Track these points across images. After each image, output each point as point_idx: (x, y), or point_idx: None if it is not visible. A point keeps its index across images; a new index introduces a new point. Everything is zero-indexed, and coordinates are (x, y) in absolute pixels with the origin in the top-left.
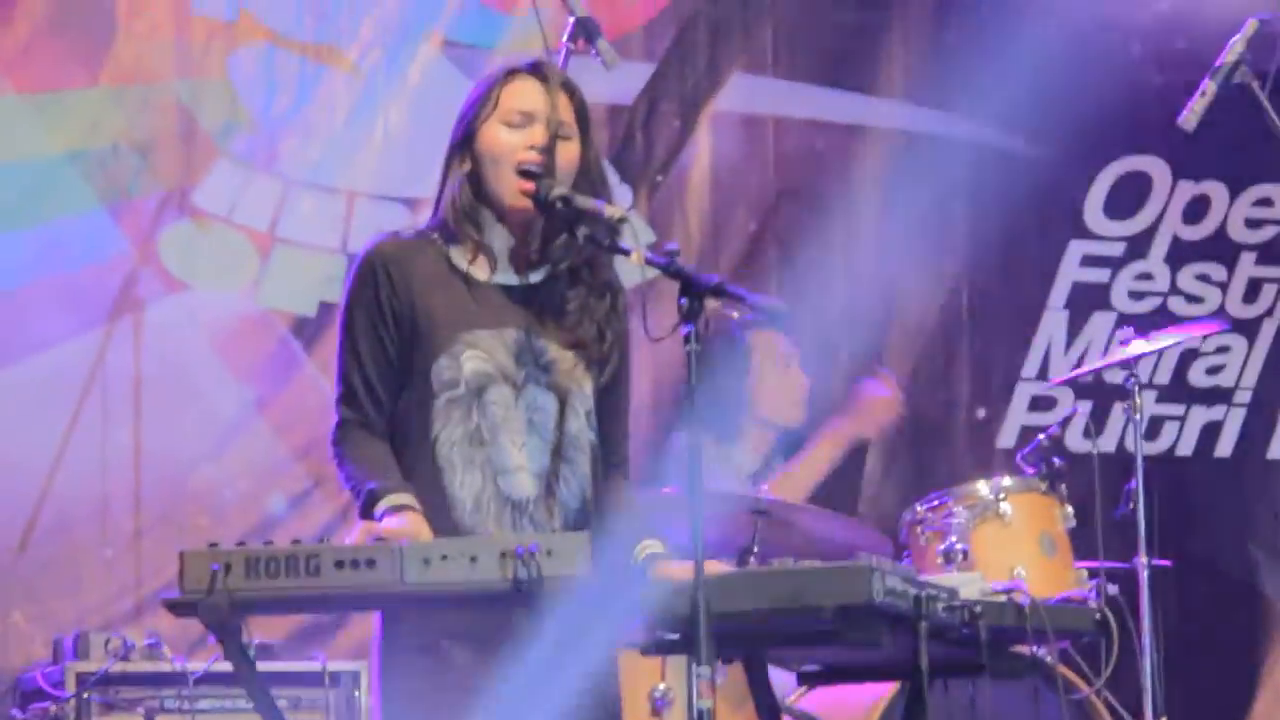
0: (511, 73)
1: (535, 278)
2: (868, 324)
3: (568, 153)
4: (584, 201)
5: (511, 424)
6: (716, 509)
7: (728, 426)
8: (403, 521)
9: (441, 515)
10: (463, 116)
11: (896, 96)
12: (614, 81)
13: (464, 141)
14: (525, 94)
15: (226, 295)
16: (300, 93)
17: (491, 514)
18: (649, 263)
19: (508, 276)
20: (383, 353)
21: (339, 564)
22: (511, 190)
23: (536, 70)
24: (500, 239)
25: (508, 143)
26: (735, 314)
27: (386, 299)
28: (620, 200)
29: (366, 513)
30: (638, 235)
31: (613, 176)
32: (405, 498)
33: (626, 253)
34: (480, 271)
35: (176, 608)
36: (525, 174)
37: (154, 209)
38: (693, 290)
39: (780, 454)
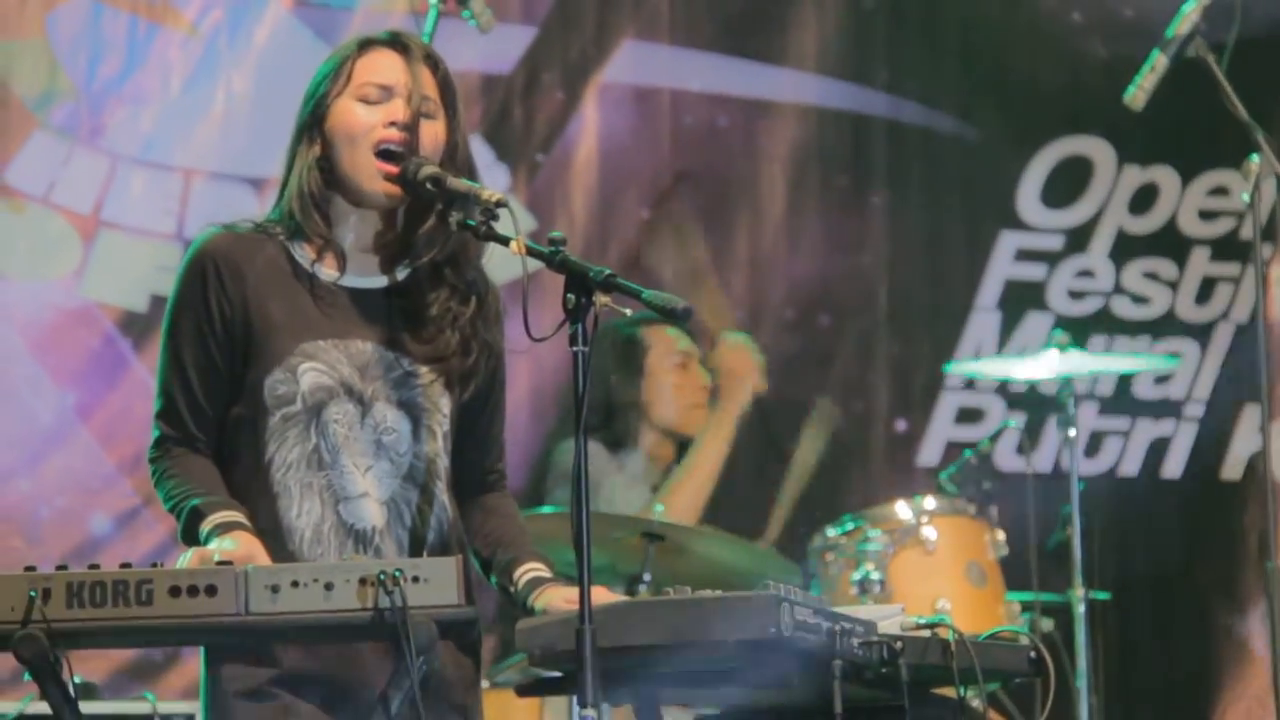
0: (366, 44)
1: (392, 280)
2: (774, 324)
3: (432, 133)
4: (457, 183)
5: (355, 445)
6: (604, 532)
7: (622, 435)
8: (235, 544)
9: (277, 547)
10: (310, 94)
11: (808, 68)
12: (489, 47)
13: (312, 122)
14: (383, 66)
15: (44, 286)
16: (130, 56)
17: (333, 546)
18: (530, 253)
19: (360, 278)
20: (210, 364)
21: (174, 591)
22: (369, 173)
23: (395, 42)
24: (354, 233)
25: (364, 120)
26: (628, 311)
27: (216, 302)
28: (495, 183)
29: (189, 532)
30: (517, 222)
31: (488, 154)
32: (234, 515)
33: (505, 241)
34: (328, 271)
35: None
36: (386, 155)
37: None
38: (580, 284)
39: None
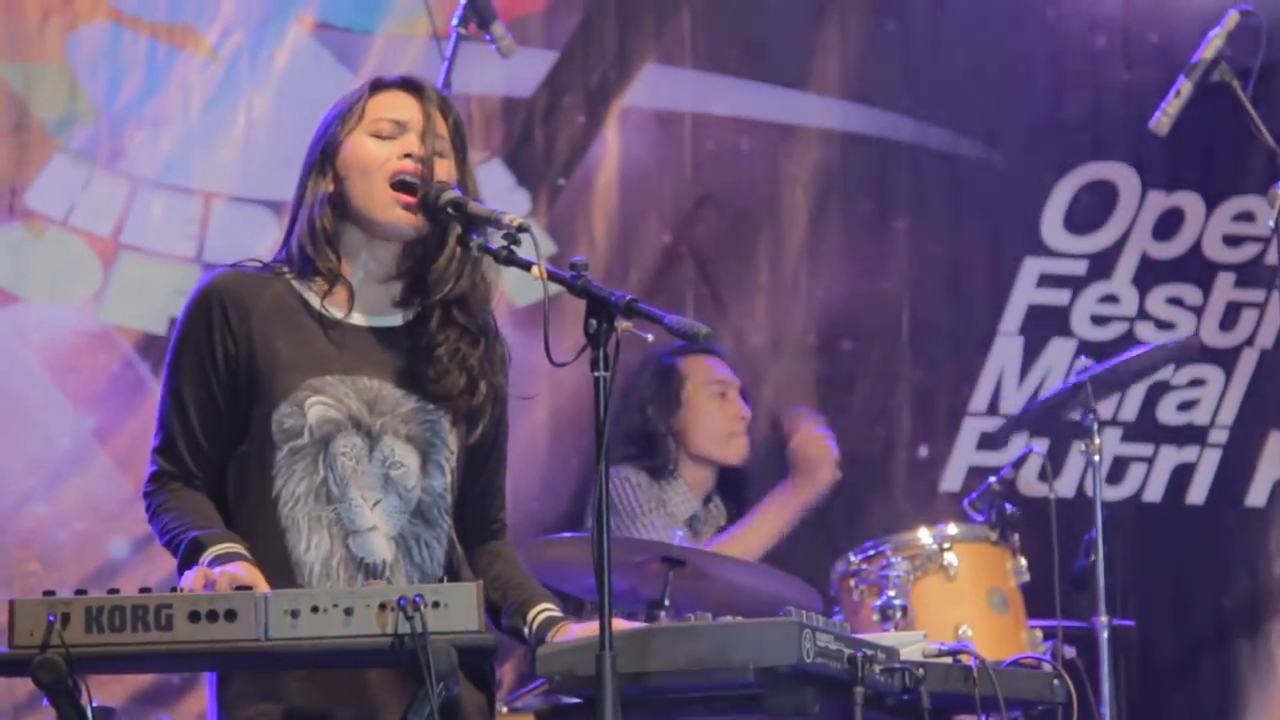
0: (378, 86)
1: (401, 319)
2: (796, 349)
3: (445, 169)
4: (478, 208)
5: (363, 478)
6: (625, 556)
7: (661, 464)
8: (239, 569)
9: (285, 581)
10: (321, 135)
11: (830, 92)
12: (510, 71)
13: (323, 159)
14: (397, 104)
15: (63, 309)
16: (150, 79)
17: (342, 580)
18: (552, 277)
19: (368, 317)
20: (211, 402)
21: (194, 616)
22: (385, 203)
23: (407, 83)
24: (364, 269)
25: (378, 154)
26: (650, 336)
27: (220, 341)
28: (516, 208)
29: (188, 565)
30: (538, 246)
31: (508, 179)
32: (235, 547)
33: (527, 266)
34: (336, 309)
35: (5, 665)
36: (401, 185)
37: None
38: (601, 309)
39: (719, 493)
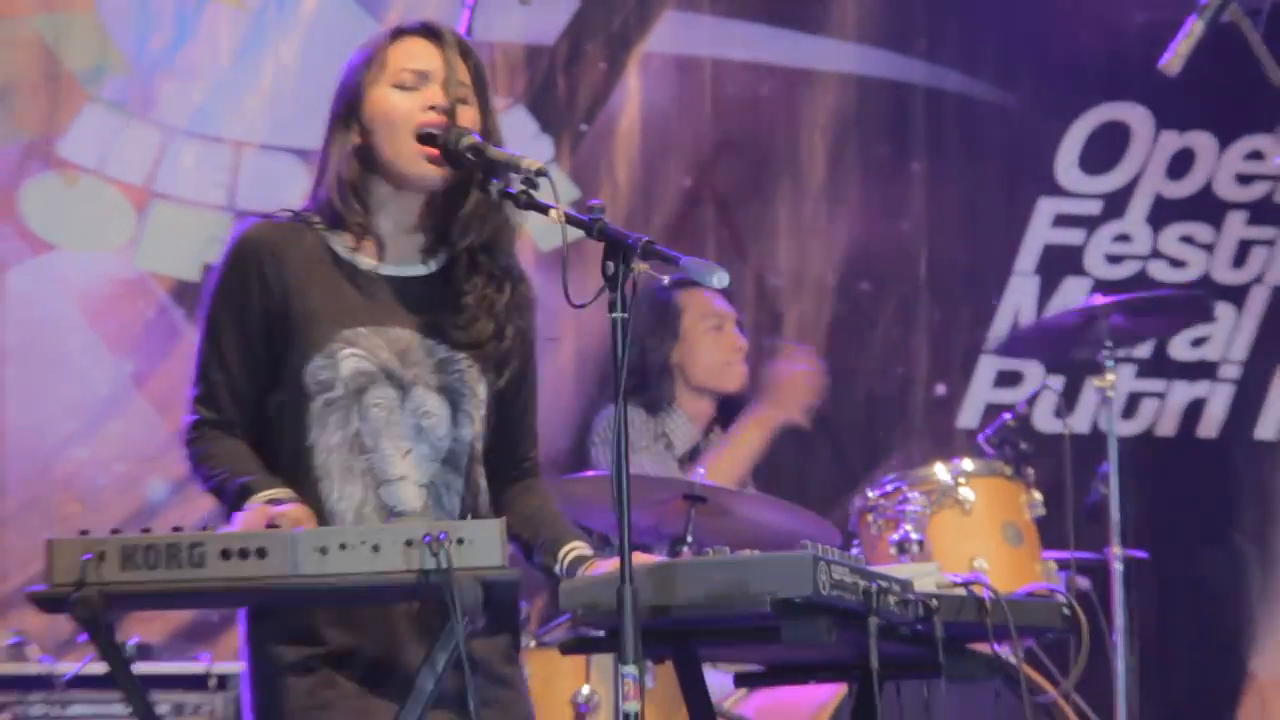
0: (398, 33)
1: (429, 267)
2: (815, 290)
3: (468, 119)
4: (497, 152)
5: (395, 429)
6: (647, 494)
7: (659, 397)
8: (297, 509)
9: None
10: (344, 85)
11: (848, 37)
12: (533, 19)
13: (348, 111)
14: (417, 53)
15: (98, 257)
16: (180, 29)
17: None
18: (571, 221)
19: (398, 266)
20: (249, 350)
21: (225, 554)
22: (411, 157)
23: (428, 30)
24: (392, 220)
25: (402, 106)
26: (667, 278)
27: (257, 291)
28: (539, 154)
29: (238, 509)
30: (557, 191)
31: (532, 125)
32: (283, 491)
33: (546, 210)
34: (366, 260)
35: (44, 602)
36: (426, 138)
37: (14, 160)
38: (619, 252)
39: (719, 422)
